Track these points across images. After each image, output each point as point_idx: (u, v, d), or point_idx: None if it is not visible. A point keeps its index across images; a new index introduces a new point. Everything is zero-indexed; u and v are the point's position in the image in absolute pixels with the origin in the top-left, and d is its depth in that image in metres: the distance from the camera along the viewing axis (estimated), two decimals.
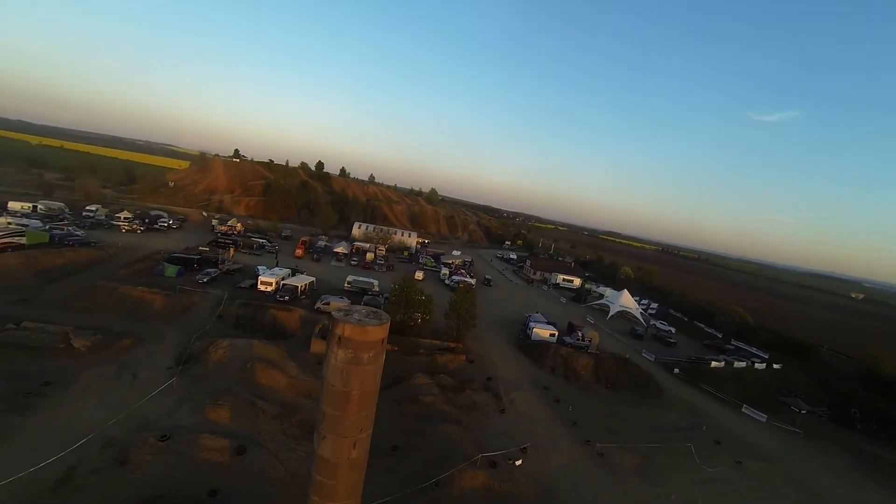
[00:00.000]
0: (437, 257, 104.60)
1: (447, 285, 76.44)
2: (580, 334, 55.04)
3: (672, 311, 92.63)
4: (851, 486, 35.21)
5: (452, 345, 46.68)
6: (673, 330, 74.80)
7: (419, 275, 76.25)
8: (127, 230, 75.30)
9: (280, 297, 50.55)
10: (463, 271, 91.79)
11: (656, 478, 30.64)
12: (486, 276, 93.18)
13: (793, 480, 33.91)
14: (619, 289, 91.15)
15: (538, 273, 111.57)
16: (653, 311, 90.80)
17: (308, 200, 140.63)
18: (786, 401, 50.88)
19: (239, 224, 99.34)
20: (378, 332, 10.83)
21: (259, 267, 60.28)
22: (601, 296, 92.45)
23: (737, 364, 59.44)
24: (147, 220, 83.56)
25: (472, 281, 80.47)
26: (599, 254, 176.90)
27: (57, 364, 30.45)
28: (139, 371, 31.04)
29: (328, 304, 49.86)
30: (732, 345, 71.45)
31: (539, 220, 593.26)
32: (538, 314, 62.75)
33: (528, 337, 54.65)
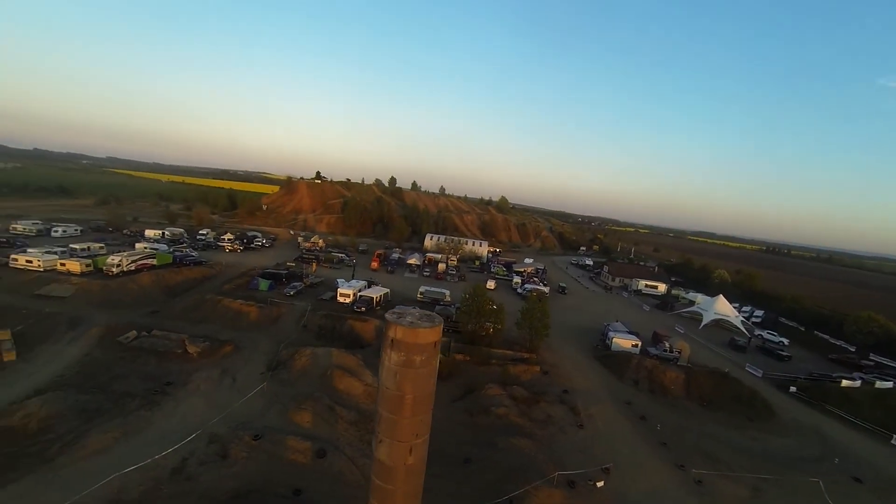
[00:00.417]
0: (508, 266, 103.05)
1: (519, 294, 74.74)
2: (667, 345, 49.93)
3: (783, 320, 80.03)
4: None
5: (525, 355, 45.31)
6: (786, 341, 64.56)
7: (491, 284, 75.62)
8: (229, 250, 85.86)
9: (357, 308, 53.36)
10: (536, 279, 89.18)
11: None
12: (561, 284, 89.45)
13: None
14: (712, 294, 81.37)
15: (617, 279, 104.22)
16: (757, 320, 79.36)
17: (382, 215, 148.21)
18: None
19: (321, 240, 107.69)
20: (430, 334, 10.82)
21: (338, 280, 64.46)
22: (691, 302, 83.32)
23: (880, 384, 48.93)
24: (245, 241, 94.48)
25: (546, 289, 77.75)
26: (687, 256, 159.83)
27: (176, 366, 35.44)
28: (237, 374, 34.85)
29: None
30: (871, 360, 59.40)
31: (616, 223, 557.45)
32: (618, 323, 58.37)
33: (608, 347, 51.00)
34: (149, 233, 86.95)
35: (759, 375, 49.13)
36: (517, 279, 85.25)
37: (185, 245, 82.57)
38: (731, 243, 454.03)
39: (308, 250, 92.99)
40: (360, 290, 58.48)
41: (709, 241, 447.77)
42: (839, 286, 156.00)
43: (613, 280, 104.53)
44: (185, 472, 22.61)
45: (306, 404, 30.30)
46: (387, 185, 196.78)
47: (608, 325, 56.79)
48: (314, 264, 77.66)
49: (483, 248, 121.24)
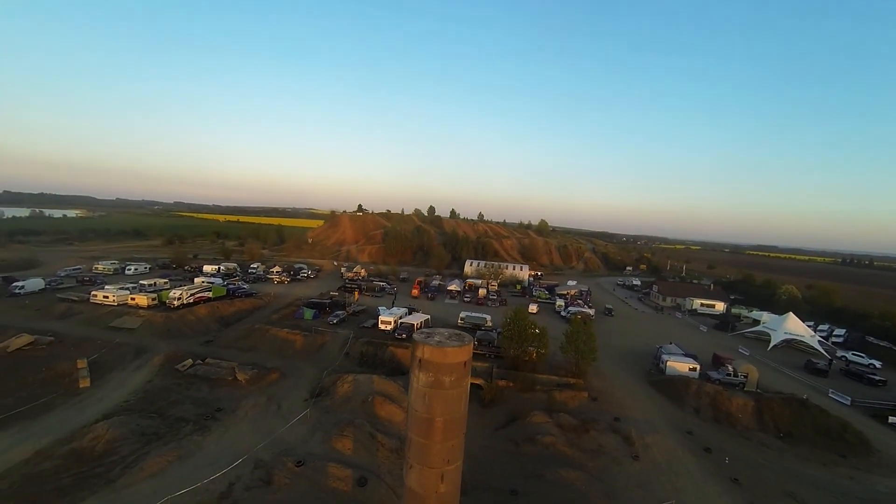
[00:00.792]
0: (551, 289, 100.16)
1: (563, 317, 72.01)
2: (730, 368, 45.48)
3: (872, 339, 70.72)
4: None
5: (572, 381, 43.01)
6: (877, 364, 56.79)
7: (533, 308, 73.67)
8: (277, 282, 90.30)
9: (398, 335, 53.59)
10: (580, 301, 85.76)
11: None
12: (607, 306, 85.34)
13: None
14: (780, 312, 73.91)
15: (668, 299, 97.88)
16: (838, 340, 70.77)
17: (422, 243, 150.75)
18: None
19: (363, 270, 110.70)
20: (459, 353, 10.38)
21: (380, 308, 65.40)
22: (756, 322, 76.08)
23: None
24: (292, 272, 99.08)
25: (591, 311, 74.37)
26: (747, 272, 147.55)
27: (226, 393, 36.93)
28: (283, 401, 35.66)
29: None
30: None
31: (664, 240, 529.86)
32: (672, 345, 54.24)
33: (662, 371, 47.29)
34: (206, 268, 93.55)
35: (848, 403, 43.20)
36: (560, 302, 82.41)
37: (237, 278, 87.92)
38: (797, 256, 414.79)
39: (350, 280, 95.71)
40: (400, 318, 58.84)
41: (770, 255, 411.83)
42: None
43: (664, 300, 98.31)
44: (231, 496, 23.00)
45: (347, 431, 30.23)
46: (426, 213, 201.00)
47: (661, 347, 52.93)
48: (356, 293, 79.56)
49: (524, 272, 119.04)
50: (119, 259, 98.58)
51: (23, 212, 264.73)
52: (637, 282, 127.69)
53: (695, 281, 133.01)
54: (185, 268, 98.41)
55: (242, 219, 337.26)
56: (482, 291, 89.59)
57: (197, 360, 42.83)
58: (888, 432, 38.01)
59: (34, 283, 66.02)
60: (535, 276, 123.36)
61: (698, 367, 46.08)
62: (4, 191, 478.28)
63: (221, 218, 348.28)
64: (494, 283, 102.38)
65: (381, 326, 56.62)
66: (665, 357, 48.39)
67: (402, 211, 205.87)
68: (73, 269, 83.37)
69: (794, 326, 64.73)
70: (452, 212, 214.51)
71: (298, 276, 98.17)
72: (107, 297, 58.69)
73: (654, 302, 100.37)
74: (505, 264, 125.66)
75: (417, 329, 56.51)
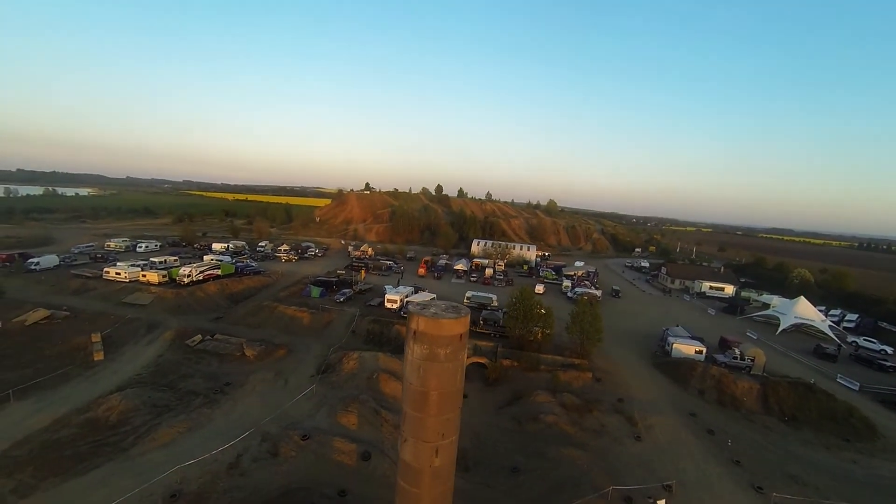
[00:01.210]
0: (558, 269, 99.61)
1: (569, 298, 71.79)
2: (737, 351, 45.11)
3: (885, 325, 69.53)
4: None
5: (576, 361, 43.11)
6: (889, 350, 55.95)
7: (539, 288, 73.47)
8: (285, 260, 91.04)
9: (404, 313, 53.99)
10: (587, 282, 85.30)
11: None
12: (614, 287, 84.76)
13: None
14: (791, 296, 72.79)
15: (677, 281, 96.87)
16: (850, 325, 69.73)
17: (429, 222, 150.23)
18: None
19: (370, 249, 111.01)
20: (454, 325, 10.21)
21: (386, 286, 65.79)
22: (766, 305, 75.13)
23: None
24: (300, 251, 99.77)
25: (598, 292, 73.97)
26: (759, 256, 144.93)
27: (235, 368, 37.79)
28: (290, 377, 36.40)
29: None
30: None
31: (675, 222, 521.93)
32: (679, 327, 53.89)
33: (667, 353, 47.13)
34: (216, 246, 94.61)
35: (856, 389, 42.74)
36: (567, 283, 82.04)
37: (246, 256, 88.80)
38: (812, 240, 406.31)
39: (357, 258, 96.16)
40: (406, 296, 59.15)
41: (784, 238, 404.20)
42: None
43: (673, 282, 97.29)
44: (239, 467, 23.73)
45: (352, 407, 30.80)
46: (433, 192, 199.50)
47: (667, 329, 52.62)
48: (363, 272, 80.00)
49: (531, 253, 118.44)
50: (130, 237, 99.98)
51: (36, 190, 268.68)
52: (645, 263, 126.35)
53: (705, 263, 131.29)
54: (195, 246, 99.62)
55: (251, 197, 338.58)
56: (489, 271, 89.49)
57: (206, 335, 43.68)
58: (894, 418, 37.67)
59: (49, 260, 67.40)
60: (543, 257, 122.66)
61: (704, 349, 45.78)
62: (18, 169, 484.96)
63: (230, 196, 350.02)
64: (501, 263, 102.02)
65: (388, 305, 57.03)
66: (671, 339, 48.11)
67: (410, 190, 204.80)
68: (86, 247, 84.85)
69: (804, 311, 63.72)
70: (460, 191, 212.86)
71: (306, 255, 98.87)
72: (119, 274, 59.75)
73: (662, 284, 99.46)
74: (512, 244, 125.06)
75: None
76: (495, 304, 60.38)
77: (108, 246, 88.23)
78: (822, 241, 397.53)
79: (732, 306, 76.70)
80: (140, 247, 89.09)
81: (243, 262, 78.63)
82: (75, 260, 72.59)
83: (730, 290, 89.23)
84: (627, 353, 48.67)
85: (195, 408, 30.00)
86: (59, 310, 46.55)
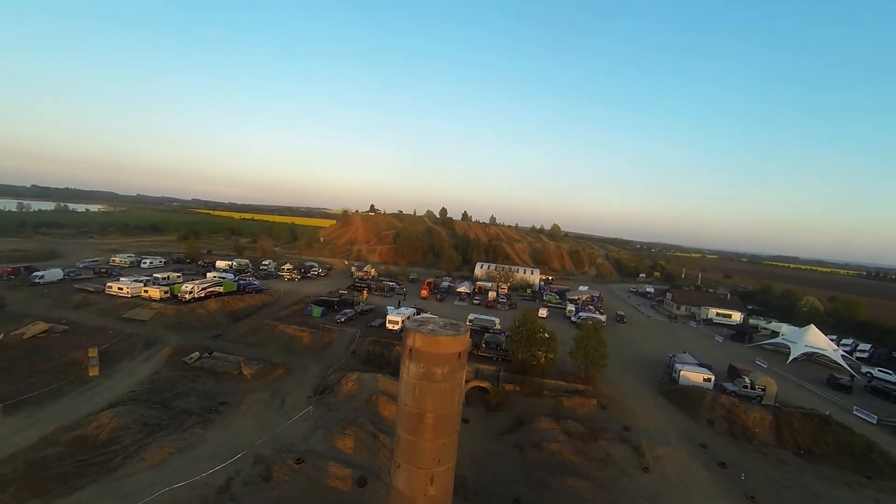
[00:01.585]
0: (561, 293, 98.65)
1: (573, 322, 70.66)
2: (747, 380, 43.69)
3: None
4: None
5: (580, 387, 41.89)
6: None
7: (543, 312, 72.48)
8: (288, 279, 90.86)
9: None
10: (591, 307, 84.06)
11: None
12: (619, 312, 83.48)
13: None
14: (800, 325, 71.24)
15: (683, 307, 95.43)
16: (863, 355, 67.77)
17: (433, 244, 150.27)
18: None
19: (373, 270, 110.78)
20: (452, 343, 9.62)
21: (388, 307, 65.10)
22: (775, 333, 73.38)
23: None
24: (303, 270, 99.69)
25: (602, 317, 72.80)
26: (766, 283, 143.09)
27: (231, 387, 36.94)
28: (286, 397, 35.48)
29: None
30: None
31: (679, 248, 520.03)
32: (686, 354, 52.52)
33: (675, 381, 45.76)
34: (219, 263, 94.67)
35: (874, 422, 41.04)
36: (571, 307, 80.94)
37: (249, 274, 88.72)
38: (819, 268, 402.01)
39: (360, 279, 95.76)
40: (408, 318, 58.39)
41: (790, 266, 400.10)
42: None
43: (678, 308, 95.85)
44: (229, 491, 22.74)
45: (350, 430, 29.81)
46: (437, 215, 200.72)
47: (674, 356, 51.28)
48: (365, 292, 79.48)
49: (535, 276, 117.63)
50: (136, 252, 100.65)
51: (48, 206, 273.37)
52: (650, 289, 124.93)
53: (710, 290, 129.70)
54: (199, 262, 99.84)
55: (257, 216, 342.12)
56: (492, 294, 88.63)
57: (204, 353, 43.03)
58: None
59: (53, 274, 67.67)
60: (546, 281, 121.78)
61: (713, 377, 44.44)
62: (33, 185, 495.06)
63: (237, 215, 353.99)
64: (504, 286, 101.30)
65: (389, 326, 56.18)
66: (678, 366, 46.81)
67: (414, 212, 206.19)
68: (91, 261, 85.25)
69: (815, 339, 62.17)
70: (464, 214, 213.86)
71: (309, 274, 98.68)
72: (121, 289, 59.70)
73: (667, 310, 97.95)
74: (516, 268, 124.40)
75: None
76: (498, 327, 59.41)
77: (113, 261, 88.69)
78: (830, 270, 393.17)
79: (740, 333, 75.06)
80: (144, 262, 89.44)
81: (246, 279, 78.47)
82: (79, 274, 72.78)
83: (737, 316, 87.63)
84: (633, 379, 47.32)
85: (188, 427, 29.11)
86: (58, 323, 46.26)
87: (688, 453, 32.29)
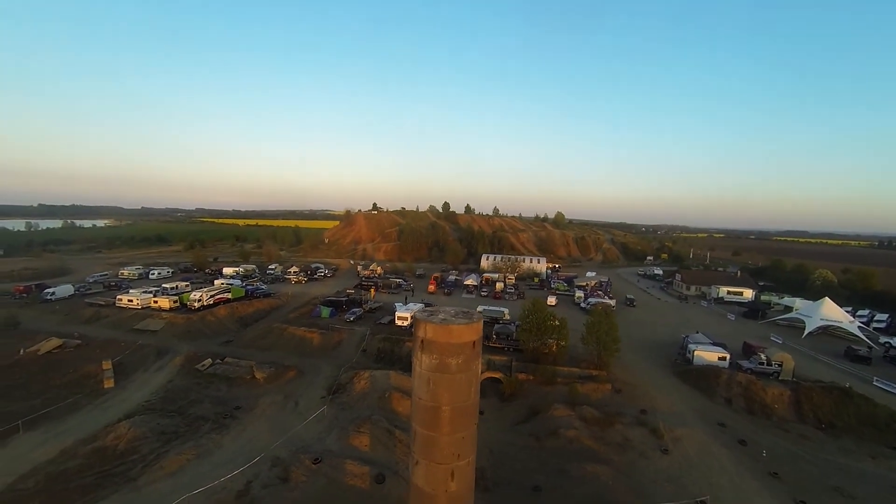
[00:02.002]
0: (569, 281, 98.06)
1: (583, 309, 70.27)
2: (763, 357, 43.12)
3: None
4: None
5: (594, 372, 41.64)
6: None
7: (552, 300, 72.18)
8: (295, 282, 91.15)
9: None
10: (600, 292, 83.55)
11: None
12: (628, 296, 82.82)
13: None
14: (814, 298, 70.23)
15: (693, 288, 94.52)
16: (880, 325, 66.75)
17: (437, 239, 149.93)
18: None
19: (379, 268, 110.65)
20: (465, 332, 9.23)
21: (396, 304, 65.06)
22: (788, 308, 72.50)
23: None
24: (309, 272, 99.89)
25: (612, 302, 72.32)
26: (776, 259, 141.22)
27: (245, 391, 37.08)
28: (300, 399, 35.54)
29: None
30: None
31: (686, 229, 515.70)
32: (699, 334, 51.98)
33: (689, 361, 45.29)
34: (226, 270, 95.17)
35: (895, 392, 40.37)
36: (579, 293, 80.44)
37: (256, 279, 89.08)
38: (830, 241, 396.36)
39: (367, 278, 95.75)
40: (414, 315, 58.23)
41: (800, 240, 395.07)
42: None
43: (688, 289, 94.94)
44: (249, 495, 22.82)
45: (364, 427, 29.80)
46: (440, 210, 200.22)
47: (687, 336, 50.76)
48: (372, 290, 79.53)
49: (541, 265, 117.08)
50: (143, 264, 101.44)
51: (55, 223, 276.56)
52: (659, 271, 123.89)
53: (720, 269, 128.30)
54: (206, 271, 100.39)
55: (261, 222, 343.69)
56: (499, 285, 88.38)
57: (216, 359, 43.23)
58: None
59: (64, 290, 68.32)
60: (553, 269, 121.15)
61: (728, 356, 43.92)
62: (39, 203, 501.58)
63: (241, 222, 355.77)
64: (512, 276, 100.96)
65: (398, 322, 56.18)
66: (692, 346, 46.34)
67: (417, 208, 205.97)
68: (101, 275, 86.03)
69: (830, 312, 61.27)
70: (467, 207, 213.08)
71: (315, 276, 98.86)
72: (131, 301, 60.13)
73: (677, 291, 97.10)
74: (522, 257, 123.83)
75: None
76: (507, 317, 59.17)
77: (122, 274, 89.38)
78: (840, 242, 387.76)
79: (753, 310, 74.17)
80: (153, 274, 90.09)
81: (253, 285, 78.77)
82: (90, 289, 73.39)
83: (749, 294, 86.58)
84: (647, 362, 46.90)
85: (204, 433, 29.26)
86: (71, 338, 46.69)
87: (707, 433, 31.93)
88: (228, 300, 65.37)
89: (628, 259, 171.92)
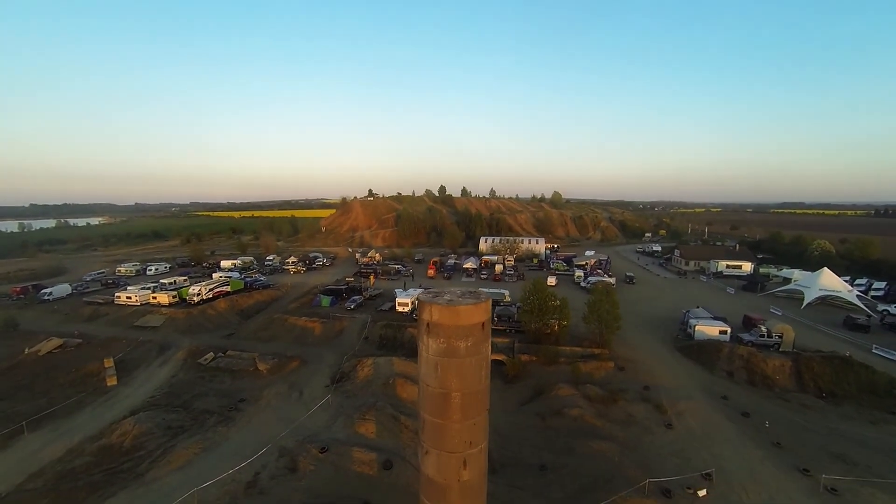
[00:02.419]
0: (568, 260, 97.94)
1: (583, 288, 70.36)
2: (763, 329, 43.30)
3: None
4: None
5: (596, 351, 41.83)
6: None
7: (552, 280, 72.12)
8: (294, 272, 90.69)
9: (416, 315, 52.83)
10: (599, 271, 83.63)
11: None
12: (628, 274, 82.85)
13: None
14: (813, 269, 70.37)
15: (692, 263, 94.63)
16: (878, 293, 67.09)
17: (435, 223, 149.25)
18: None
19: (377, 254, 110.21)
20: (474, 312, 8.64)
21: (396, 290, 64.89)
22: (787, 280, 72.77)
23: None
24: (307, 262, 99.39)
25: (612, 280, 72.40)
26: (774, 231, 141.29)
27: (248, 383, 37.10)
28: (304, 388, 35.60)
29: None
30: None
31: (683, 205, 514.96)
32: (699, 309, 52.12)
33: (690, 336, 45.50)
34: (224, 263, 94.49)
35: (895, 359, 40.70)
36: (579, 273, 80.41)
37: (254, 271, 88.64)
38: (826, 211, 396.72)
39: (366, 265, 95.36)
40: (417, 298, 58.20)
41: (797, 212, 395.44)
42: None
43: (687, 264, 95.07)
44: (258, 486, 22.92)
45: (370, 414, 29.89)
46: (437, 193, 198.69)
47: (688, 312, 50.90)
48: (372, 277, 79.28)
49: (540, 246, 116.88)
50: (140, 261, 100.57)
51: (49, 223, 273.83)
52: (657, 248, 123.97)
53: (718, 243, 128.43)
54: (204, 264, 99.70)
55: (257, 213, 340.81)
56: (499, 267, 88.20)
57: (218, 353, 43.14)
58: None
59: (61, 289, 67.79)
60: (552, 249, 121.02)
61: (729, 329, 44.11)
62: (31, 204, 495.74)
63: (237, 214, 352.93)
64: (511, 258, 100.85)
65: (399, 308, 56.11)
66: (693, 321, 46.49)
67: (413, 193, 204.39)
68: (98, 273, 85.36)
69: (829, 282, 61.47)
70: (464, 190, 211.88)
71: (314, 265, 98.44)
72: (130, 298, 59.74)
73: (676, 267, 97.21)
74: (520, 239, 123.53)
75: None
76: (508, 299, 59.16)
77: (119, 271, 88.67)
78: (837, 212, 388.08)
79: (752, 283, 74.40)
80: (150, 270, 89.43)
81: (252, 276, 78.37)
82: (87, 287, 72.88)
83: (747, 267, 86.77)
84: (648, 338, 47.10)
85: (210, 427, 29.31)
86: (71, 338, 46.46)
87: (710, 406, 32.20)
88: (228, 293, 65.03)
89: (627, 236, 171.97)
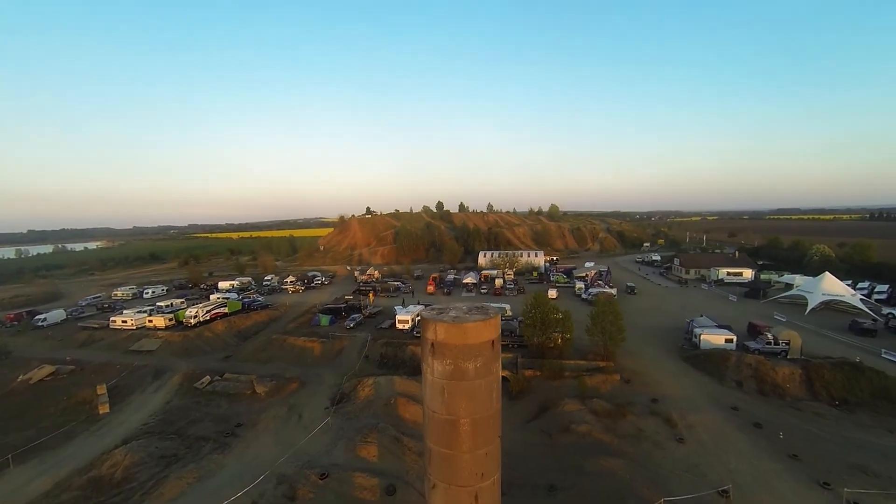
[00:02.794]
0: (568, 272, 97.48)
1: (585, 299, 69.72)
2: (770, 336, 42.62)
3: None
4: None
5: (601, 364, 40.99)
6: None
7: (552, 293, 71.46)
8: (292, 291, 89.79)
9: (417, 333, 52.09)
10: (600, 282, 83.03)
11: None
12: (629, 284, 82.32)
13: None
14: (812, 274, 69.99)
15: (692, 271, 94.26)
16: (881, 296, 66.55)
17: (433, 239, 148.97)
18: None
19: (376, 272, 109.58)
20: (483, 329, 7.90)
21: (396, 307, 64.10)
22: (789, 286, 72.21)
23: None
24: (306, 281, 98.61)
25: (613, 291, 71.81)
26: (772, 237, 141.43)
27: (246, 407, 36.06)
28: (303, 411, 34.60)
29: None
30: None
31: (679, 214, 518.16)
32: (703, 317, 51.44)
33: (695, 346, 44.73)
34: (222, 284, 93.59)
35: None
36: (580, 284, 79.83)
37: (252, 291, 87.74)
38: (822, 216, 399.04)
39: (365, 282, 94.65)
40: (417, 315, 57.39)
41: (793, 217, 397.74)
42: None
43: (688, 272, 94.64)
44: None
45: (371, 437, 28.92)
46: (434, 209, 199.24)
47: (692, 321, 50.22)
48: (371, 295, 78.45)
49: (539, 258, 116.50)
50: (137, 284, 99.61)
51: (46, 248, 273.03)
52: (657, 257, 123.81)
53: (717, 251, 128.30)
54: (201, 286, 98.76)
55: (255, 234, 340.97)
56: (499, 282, 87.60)
57: (215, 376, 42.14)
58: None
59: (56, 315, 66.75)
60: (551, 262, 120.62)
61: (734, 337, 43.44)
62: (29, 230, 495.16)
63: (234, 235, 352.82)
64: (510, 272, 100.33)
65: (399, 326, 55.23)
66: (697, 330, 45.78)
67: (411, 209, 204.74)
68: (94, 298, 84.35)
69: (831, 287, 60.95)
70: (461, 205, 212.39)
71: (313, 284, 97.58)
72: (125, 322, 58.77)
73: (676, 276, 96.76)
74: (519, 252, 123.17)
75: None
76: (509, 313, 58.43)
77: (116, 295, 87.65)
78: (832, 217, 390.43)
79: (754, 290, 73.88)
80: (147, 293, 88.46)
81: (250, 297, 77.52)
82: (83, 312, 71.84)
83: (748, 274, 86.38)
84: (653, 349, 46.28)
85: (205, 454, 28.25)
86: (65, 364, 45.44)
87: (721, 418, 31.31)
88: (225, 314, 64.09)
89: (626, 247, 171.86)
